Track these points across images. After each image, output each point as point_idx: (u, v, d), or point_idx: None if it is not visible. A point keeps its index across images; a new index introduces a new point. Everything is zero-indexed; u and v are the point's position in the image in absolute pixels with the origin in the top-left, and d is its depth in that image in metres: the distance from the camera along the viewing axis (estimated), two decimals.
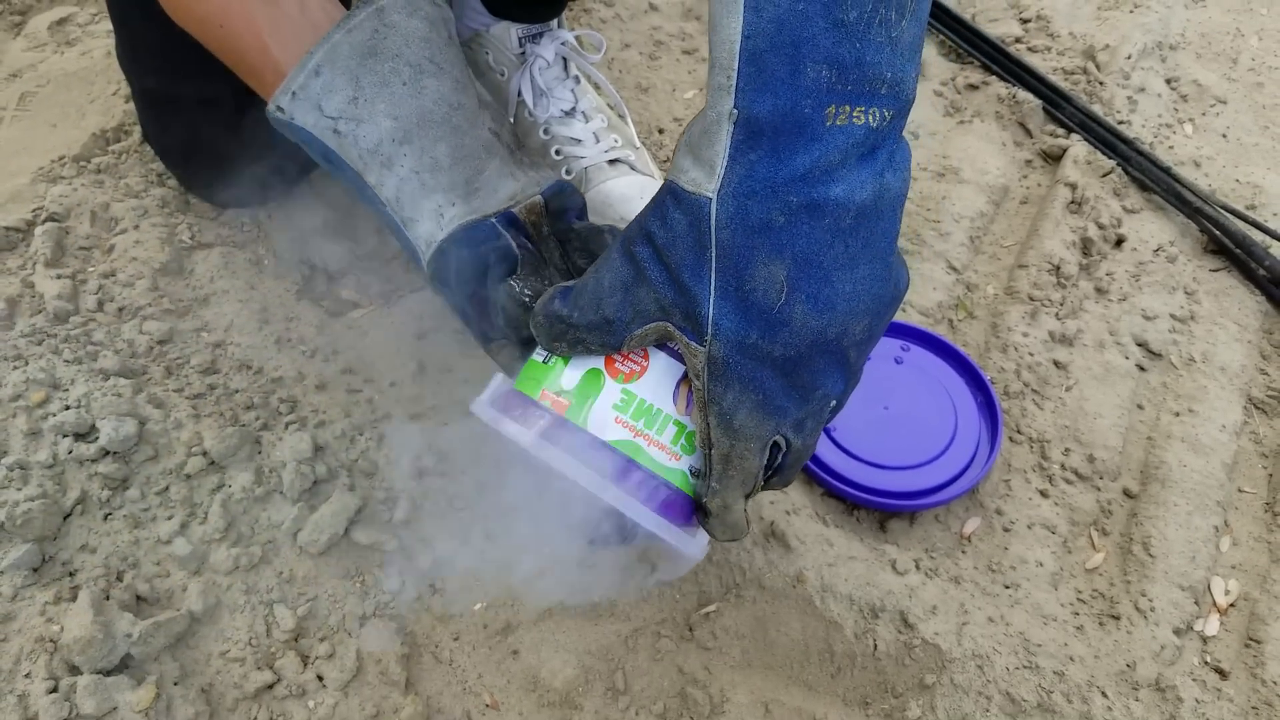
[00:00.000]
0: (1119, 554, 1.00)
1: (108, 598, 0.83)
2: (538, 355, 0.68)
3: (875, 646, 0.88)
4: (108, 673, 0.80)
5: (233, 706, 0.83)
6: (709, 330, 0.58)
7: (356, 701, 0.85)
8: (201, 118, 1.04)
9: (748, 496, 0.64)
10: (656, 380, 0.63)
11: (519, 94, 1.15)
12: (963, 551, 0.99)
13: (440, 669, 0.89)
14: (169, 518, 0.89)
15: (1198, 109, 1.40)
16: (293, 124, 0.74)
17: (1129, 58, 1.41)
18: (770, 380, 0.59)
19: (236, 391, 0.98)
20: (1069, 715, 0.85)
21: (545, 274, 0.71)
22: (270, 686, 0.84)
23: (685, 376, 0.63)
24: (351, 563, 0.91)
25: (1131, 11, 1.50)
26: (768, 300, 0.57)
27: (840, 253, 0.57)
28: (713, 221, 0.57)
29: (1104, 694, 0.86)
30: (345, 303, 1.12)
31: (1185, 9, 1.51)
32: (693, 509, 0.66)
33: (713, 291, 0.58)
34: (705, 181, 0.57)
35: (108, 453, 0.89)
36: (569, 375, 0.65)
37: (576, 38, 1.19)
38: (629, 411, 0.63)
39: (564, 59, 1.18)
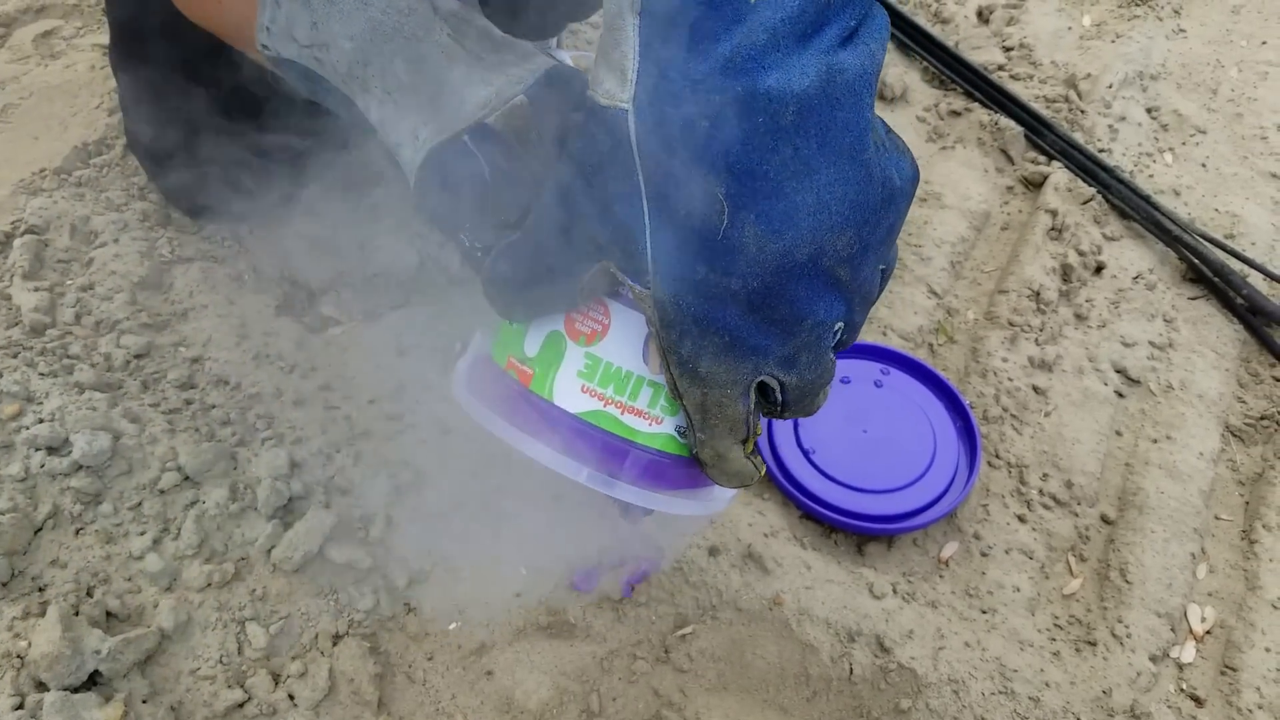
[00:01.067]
0: (1096, 580, 1.00)
1: (77, 613, 0.82)
2: None
3: (851, 670, 0.88)
4: (75, 690, 0.79)
5: None
6: (649, 267, 0.49)
7: None
8: (189, 115, 1.03)
9: (744, 442, 0.55)
10: (621, 338, 0.54)
11: None
12: (940, 576, 0.99)
13: (413, 689, 0.88)
14: (141, 533, 0.88)
15: (1178, 138, 1.41)
16: (281, 59, 0.68)
17: (1110, 87, 1.42)
18: (735, 318, 0.49)
19: (213, 407, 0.98)
20: None
21: (523, 200, 0.60)
22: (240, 705, 0.83)
23: None
24: (326, 581, 0.90)
25: (1113, 42, 1.51)
26: (709, 225, 0.47)
27: (788, 157, 0.46)
28: (633, 136, 0.48)
29: (1078, 719, 0.86)
30: (325, 319, 1.11)
31: (1166, 39, 1.52)
32: (691, 465, 0.58)
33: (647, 222, 0.48)
34: (618, 90, 0.48)
35: (81, 467, 0.88)
36: (531, 340, 0.57)
37: (573, 60, 1.19)
38: (595, 378, 0.55)
39: None
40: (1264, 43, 1.54)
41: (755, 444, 0.55)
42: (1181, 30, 1.55)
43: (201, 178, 1.08)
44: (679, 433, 0.55)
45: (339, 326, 1.11)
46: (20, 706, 0.77)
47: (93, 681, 0.80)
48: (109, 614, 0.84)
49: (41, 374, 0.95)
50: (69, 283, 1.05)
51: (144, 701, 0.81)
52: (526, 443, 0.55)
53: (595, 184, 0.50)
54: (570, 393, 0.55)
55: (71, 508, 0.87)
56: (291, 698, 0.84)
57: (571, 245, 0.51)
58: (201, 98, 1.02)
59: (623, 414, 0.54)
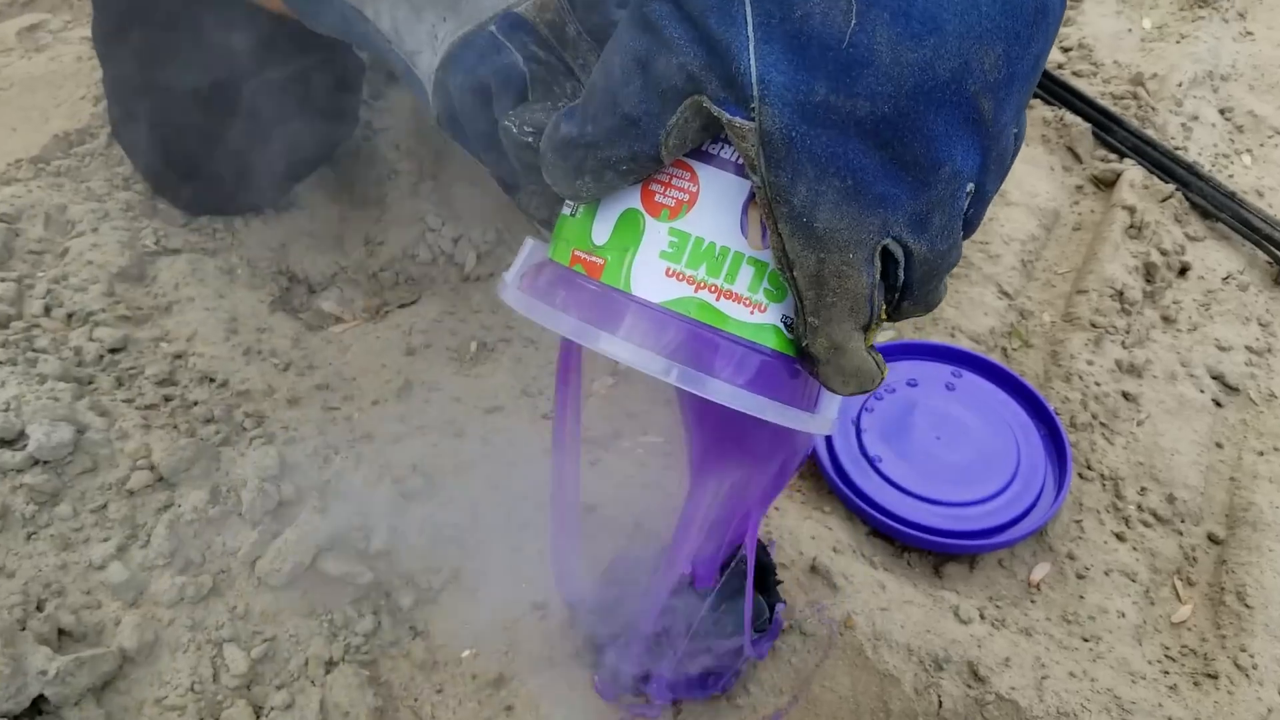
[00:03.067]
0: (1209, 606, 0.87)
1: (23, 629, 0.69)
2: (565, 208, 0.48)
3: (940, 704, 0.74)
4: (15, 717, 0.65)
5: None
6: (754, 91, 0.37)
7: None
8: (178, 106, 0.93)
9: (866, 329, 0.42)
10: (713, 207, 0.43)
11: None
12: (1032, 601, 0.85)
13: None
14: (104, 539, 0.75)
15: (1255, 139, 1.30)
16: None
17: (1180, 85, 1.31)
18: (861, 155, 0.37)
19: (196, 404, 0.85)
20: None
21: (569, 89, 0.51)
22: None
23: (754, 193, 0.42)
24: (318, 598, 0.77)
25: (1178, 43, 1.41)
26: (830, 29, 0.36)
27: None
28: None
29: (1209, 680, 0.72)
30: (326, 316, 0.99)
31: (1234, 41, 1.42)
32: (798, 368, 0.44)
33: (751, 33, 0.37)
34: None
35: (37, 462, 0.76)
36: (600, 225, 0.46)
37: None
38: (683, 258, 0.43)
39: None
40: None
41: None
42: (1249, 33, 1.45)
43: (193, 169, 0.98)
44: (785, 324, 0.43)
45: (341, 325, 0.99)
46: None
47: (37, 709, 0.67)
48: (61, 631, 0.71)
49: (5, 357, 0.83)
50: (40, 275, 0.94)
51: None
52: (599, 338, 0.42)
53: (685, 1, 0.38)
54: (652, 278, 0.43)
55: (24, 508, 0.74)
56: None
57: (653, 80, 0.39)
58: (192, 78, 0.92)
59: (717, 299, 0.42)
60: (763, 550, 0.75)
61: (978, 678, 0.75)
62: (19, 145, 1.08)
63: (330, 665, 0.75)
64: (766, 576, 0.73)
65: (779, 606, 0.74)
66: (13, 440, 0.77)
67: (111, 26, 0.95)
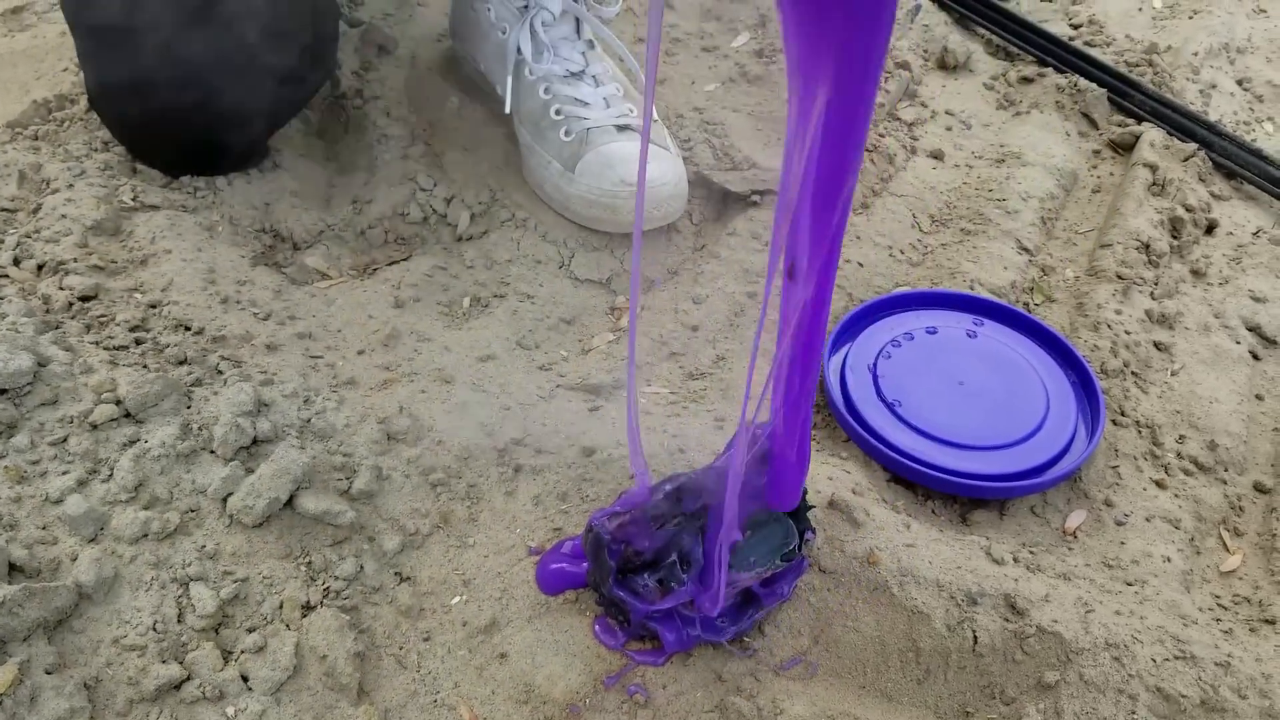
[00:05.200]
0: (1261, 555, 0.80)
1: None
2: None
3: (975, 639, 0.67)
4: None
5: (124, 709, 0.61)
6: None
7: (292, 710, 0.64)
8: (148, 48, 0.89)
9: None
10: None
11: (517, 50, 1.01)
12: (1069, 548, 0.79)
13: (404, 675, 0.67)
14: (63, 473, 0.69)
15: (1276, 108, 1.25)
16: None
17: (1196, 54, 1.28)
18: None
19: (168, 347, 0.80)
20: (1247, 714, 0.63)
21: None
22: (177, 686, 0.63)
23: None
24: (296, 539, 0.71)
25: (1190, 18, 1.37)
26: None
27: None
28: None
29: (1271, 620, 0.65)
30: (311, 272, 0.94)
31: (1247, 18, 1.39)
32: None
33: None
34: None
35: None
36: None
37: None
38: None
39: (575, 18, 1.04)
40: None
41: None
42: (1262, 10, 1.42)
43: (167, 123, 0.93)
44: None
45: (326, 281, 0.94)
46: None
47: None
48: (13, 566, 0.65)
49: None
50: (11, 231, 0.89)
51: (48, 672, 0.61)
52: None
53: None
54: None
55: None
56: (245, 679, 0.64)
57: None
58: (163, 25, 0.88)
59: None
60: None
61: (1016, 610, 0.68)
62: None
63: (307, 609, 0.68)
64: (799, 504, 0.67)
65: (809, 535, 0.68)
66: None
67: None
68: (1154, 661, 0.65)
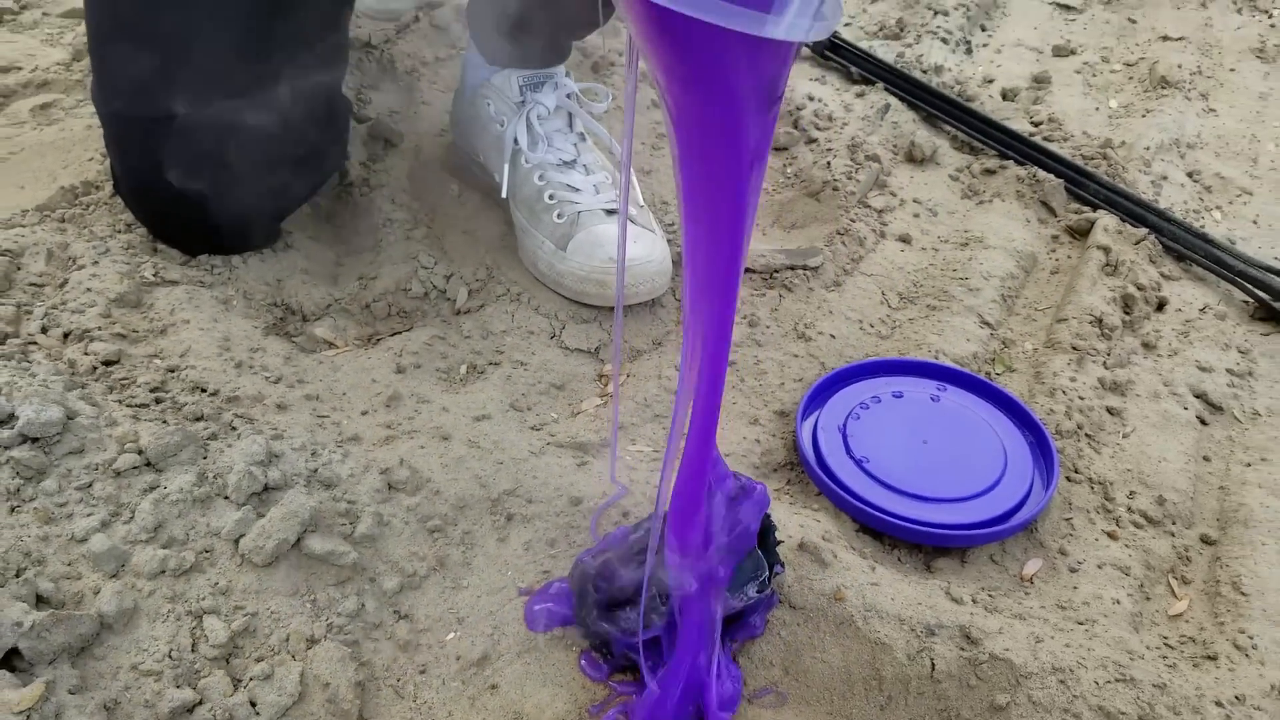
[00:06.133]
0: (1206, 600, 0.85)
1: (1, 586, 0.68)
2: None
3: (933, 667, 0.72)
4: None
5: None
6: None
7: None
8: (173, 138, 0.97)
9: None
10: None
11: (515, 141, 1.09)
12: (1025, 592, 0.84)
13: (401, 704, 0.72)
14: (88, 515, 0.75)
15: (1224, 198, 1.34)
16: None
17: (1148, 149, 1.37)
18: None
19: (185, 405, 0.86)
20: None
21: None
22: (190, 709, 0.68)
23: None
24: (302, 578, 0.76)
25: (1144, 116, 1.47)
26: None
27: None
28: None
29: (1219, 703, 0.70)
30: (319, 341, 1.01)
31: (1198, 116, 1.48)
32: None
33: None
34: None
35: (26, 439, 0.76)
36: None
37: (582, 90, 1.15)
38: None
39: (568, 113, 1.12)
40: None
41: None
42: (1212, 109, 1.52)
43: (187, 209, 1.01)
44: None
45: (333, 350, 1.00)
46: None
47: (9, 661, 0.66)
48: (40, 598, 0.70)
49: None
50: (39, 303, 0.96)
51: (71, 693, 0.65)
52: None
53: None
54: None
55: (9, 483, 0.74)
56: (253, 704, 0.69)
57: None
58: (185, 115, 0.96)
59: None
60: (767, 516, 0.74)
61: (970, 640, 0.73)
62: (26, 198, 1.12)
63: (312, 642, 0.73)
64: (767, 536, 0.73)
65: (778, 569, 0.73)
66: (3, 421, 0.77)
67: (104, 72, 0.99)
68: (1096, 684, 0.70)
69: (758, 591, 0.71)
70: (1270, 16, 1.78)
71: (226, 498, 0.78)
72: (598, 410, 0.98)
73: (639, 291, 1.03)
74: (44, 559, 0.72)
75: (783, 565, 0.74)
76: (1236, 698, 0.73)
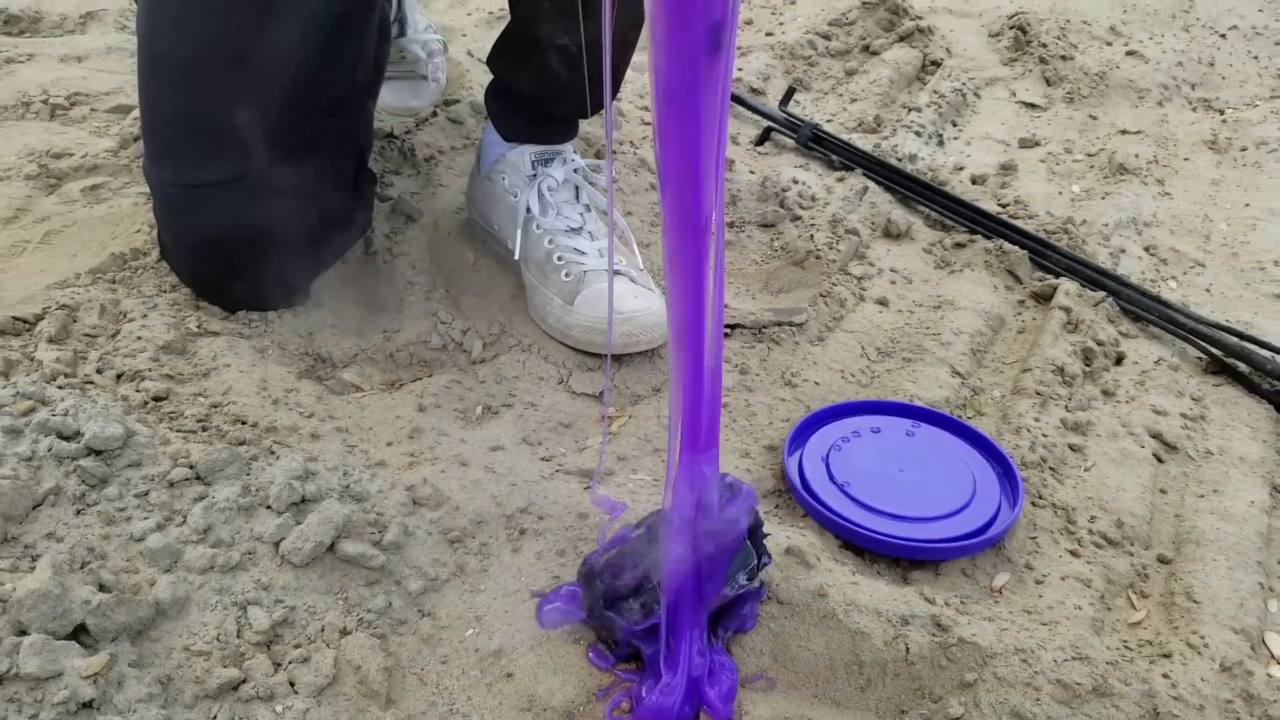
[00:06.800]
0: (1163, 610, 0.93)
1: (70, 572, 0.76)
2: None
3: (908, 651, 0.80)
4: (58, 637, 0.72)
5: (191, 703, 0.73)
6: None
7: (330, 710, 0.76)
8: (217, 204, 1.07)
9: None
10: None
11: (527, 208, 1.21)
12: (995, 601, 0.92)
13: (425, 690, 0.80)
14: (145, 518, 0.83)
15: (1179, 269, 1.45)
16: None
17: (1106, 225, 1.48)
18: None
19: (228, 433, 0.95)
20: (1129, 695, 0.75)
21: None
22: (235, 687, 0.75)
23: None
24: (335, 578, 0.84)
25: (1103, 199, 1.59)
26: None
27: None
28: None
29: (1166, 675, 0.77)
30: (347, 385, 1.10)
31: (1154, 199, 1.61)
32: None
33: None
34: None
35: (90, 451, 0.85)
36: None
37: (588, 166, 1.26)
38: None
39: (575, 186, 1.24)
40: (1247, 205, 1.62)
41: None
42: (1167, 193, 1.64)
43: (226, 273, 1.11)
44: None
45: (360, 392, 1.10)
46: None
47: (77, 636, 0.73)
48: (101, 587, 0.78)
49: (59, 387, 0.93)
50: (93, 350, 1.06)
51: (131, 666, 0.73)
52: None
53: None
54: None
55: (75, 488, 0.83)
56: (292, 684, 0.77)
57: None
58: (233, 200, 1.07)
59: None
60: (755, 512, 0.82)
61: (941, 627, 0.81)
62: (79, 264, 1.22)
63: (344, 633, 0.81)
64: (756, 531, 0.81)
65: (766, 560, 0.81)
66: (70, 437, 0.86)
67: (157, 143, 1.10)
68: (1055, 662, 0.78)
69: (748, 580, 0.79)
70: (1222, 115, 1.93)
71: (268, 507, 0.87)
72: (602, 446, 1.07)
73: (639, 341, 1.13)
74: (106, 555, 0.80)
75: (770, 557, 0.83)
76: (1182, 662, 0.81)
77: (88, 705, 0.70)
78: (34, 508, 0.82)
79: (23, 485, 0.81)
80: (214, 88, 1.04)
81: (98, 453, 0.86)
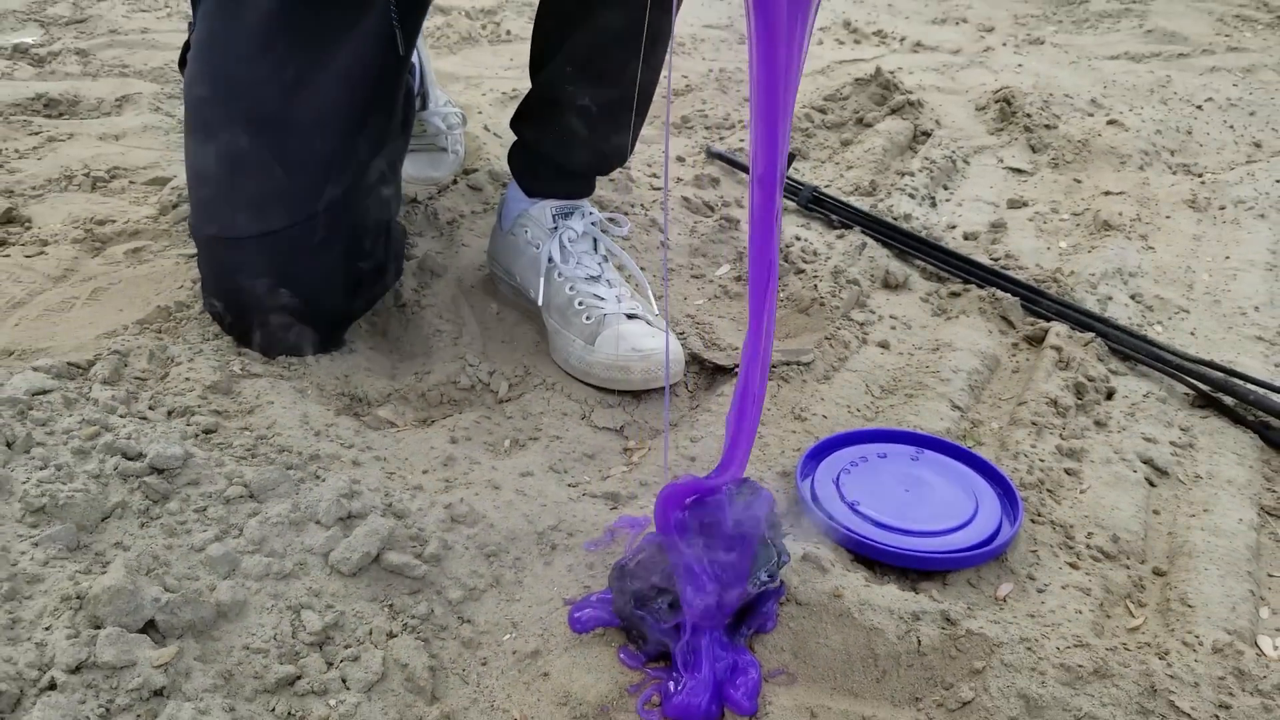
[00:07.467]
0: (1160, 617, 0.98)
1: (140, 574, 0.82)
2: None
3: (920, 643, 0.85)
4: (131, 631, 0.77)
5: (251, 696, 0.79)
6: None
7: (379, 705, 0.81)
8: (258, 256, 1.15)
9: None
10: None
11: (549, 258, 1.29)
12: (999, 608, 0.97)
13: (466, 688, 0.85)
14: (204, 530, 0.89)
15: (1164, 315, 1.53)
16: None
17: (1093, 275, 1.56)
18: None
19: (276, 459, 1.01)
20: (1128, 675, 0.80)
21: None
22: (291, 682, 0.80)
23: None
24: (381, 588, 0.90)
25: (1089, 252, 1.68)
26: None
27: None
28: None
29: (1162, 657, 0.83)
30: (383, 421, 1.17)
31: (1138, 253, 1.69)
32: None
33: None
34: None
35: (154, 470, 0.91)
36: None
37: (606, 218, 1.35)
38: None
39: (593, 239, 1.32)
40: (1227, 257, 1.70)
41: None
42: (1150, 247, 1.72)
43: (264, 323, 1.19)
44: None
45: (394, 428, 1.16)
46: (75, 636, 0.75)
47: (148, 630, 0.79)
48: (167, 589, 0.83)
49: (120, 416, 1.00)
50: (145, 391, 1.12)
51: (196, 659, 0.79)
52: None
53: None
54: None
55: (140, 503, 0.89)
56: (344, 680, 0.82)
57: None
58: (274, 252, 1.15)
59: None
60: (774, 513, 0.88)
61: (950, 621, 0.86)
62: (126, 317, 1.29)
63: (391, 636, 0.86)
64: (776, 530, 0.87)
65: (785, 558, 0.87)
66: (134, 457, 0.93)
67: (202, 208, 1.18)
68: (1058, 649, 0.83)
69: (768, 577, 0.85)
70: (1201, 178, 2.02)
71: (317, 522, 0.93)
72: (624, 475, 1.13)
73: (658, 377, 1.20)
74: (169, 562, 0.86)
75: (789, 556, 0.88)
76: (1179, 654, 0.86)
77: (159, 693, 0.75)
78: (103, 520, 0.88)
79: (93, 498, 0.87)
80: (258, 149, 1.12)
81: (160, 471, 0.92)
